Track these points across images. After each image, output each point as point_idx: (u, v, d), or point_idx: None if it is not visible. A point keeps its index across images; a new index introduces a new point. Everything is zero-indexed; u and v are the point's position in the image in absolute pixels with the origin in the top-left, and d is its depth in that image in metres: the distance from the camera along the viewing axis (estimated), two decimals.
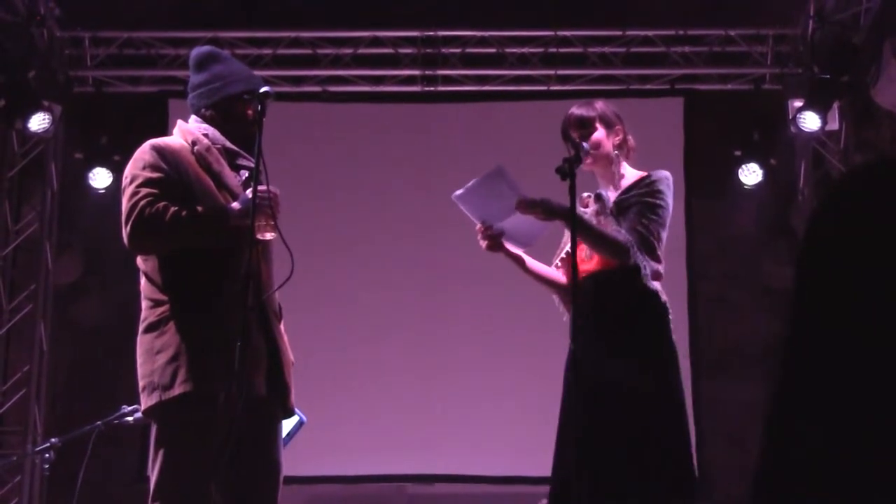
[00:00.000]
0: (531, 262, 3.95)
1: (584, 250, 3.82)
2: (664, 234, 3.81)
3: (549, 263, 3.99)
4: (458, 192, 3.76)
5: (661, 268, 3.77)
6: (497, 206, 3.74)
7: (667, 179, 3.85)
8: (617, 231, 3.73)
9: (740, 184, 7.52)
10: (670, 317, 3.78)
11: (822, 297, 1.13)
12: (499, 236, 3.80)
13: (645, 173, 3.88)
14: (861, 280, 1.10)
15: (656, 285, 3.75)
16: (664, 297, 3.76)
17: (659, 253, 3.77)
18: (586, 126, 3.86)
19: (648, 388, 3.63)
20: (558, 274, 3.98)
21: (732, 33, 7.55)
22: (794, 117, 7.02)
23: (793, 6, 7.43)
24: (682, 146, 7.55)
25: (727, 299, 7.75)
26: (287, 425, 3.90)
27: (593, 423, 3.51)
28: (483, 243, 3.81)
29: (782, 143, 7.47)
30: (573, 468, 3.39)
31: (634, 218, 3.75)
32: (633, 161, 3.97)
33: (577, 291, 3.52)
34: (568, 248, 3.91)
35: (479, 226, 3.81)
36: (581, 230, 3.67)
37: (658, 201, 3.79)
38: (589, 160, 3.80)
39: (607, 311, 3.73)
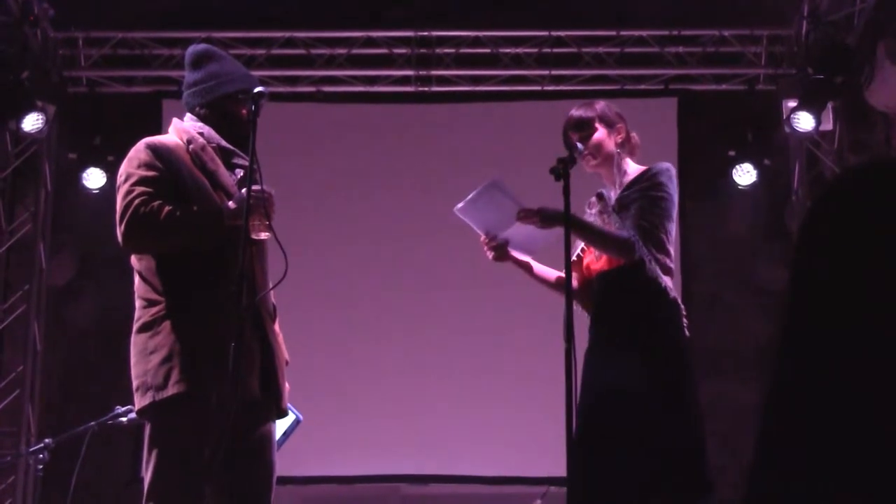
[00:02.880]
0: (538, 267, 3.92)
1: (594, 251, 3.81)
2: (671, 227, 3.73)
3: (558, 267, 3.93)
4: (459, 205, 3.75)
5: (669, 262, 3.70)
6: (497, 217, 3.74)
7: (668, 171, 3.78)
8: (619, 228, 3.70)
9: (734, 184, 7.52)
10: (684, 314, 3.72)
11: (816, 298, 1.13)
12: (504, 245, 3.79)
13: (645, 168, 3.84)
14: (856, 281, 1.10)
15: (666, 281, 3.66)
16: (673, 294, 3.68)
17: (668, 246, 3.70)
18: (585, 127, 3.83)
19: (655, 388, 3.56)
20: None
21: (726, 34, 7.56)
22: (788, 118, 7.01)
23: (787, 7, 7.44)
24: (676, 147, 7.56)
25: (721, 300, 7.75)
26: (284, 424, 3.90)
27: (600, 424, 3.51)
28: (489, 254, 3.80)
29: (776, 143, 7.47)
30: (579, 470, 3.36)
31: (637, 213, 3.69)
32: (637, 158, 3.92)
33: (570, 294, 3.49)
34: (579, 250, 3.90)
35: (483, 237, 3.80)
36: (582, 232, 3.67)
37: (660, 193, 3.72)
38: (593, 162, 3.80)
39: (616, 309, 3.72)
